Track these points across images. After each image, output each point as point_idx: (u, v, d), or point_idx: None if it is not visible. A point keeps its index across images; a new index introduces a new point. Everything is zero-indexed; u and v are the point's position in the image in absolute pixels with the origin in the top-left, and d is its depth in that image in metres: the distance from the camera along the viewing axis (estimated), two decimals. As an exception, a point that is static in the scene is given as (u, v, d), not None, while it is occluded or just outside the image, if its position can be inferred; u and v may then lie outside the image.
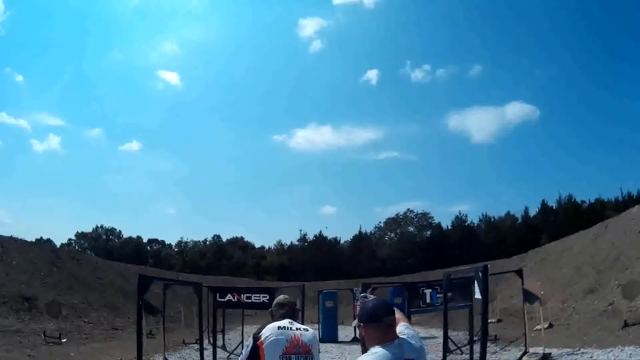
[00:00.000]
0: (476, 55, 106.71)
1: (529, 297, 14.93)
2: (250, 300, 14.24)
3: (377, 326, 3.02)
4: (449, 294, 13.44)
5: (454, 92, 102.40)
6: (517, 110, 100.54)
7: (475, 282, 11.58)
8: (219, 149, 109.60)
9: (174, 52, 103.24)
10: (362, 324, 3.12)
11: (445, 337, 13.39)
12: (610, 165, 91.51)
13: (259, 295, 14.29)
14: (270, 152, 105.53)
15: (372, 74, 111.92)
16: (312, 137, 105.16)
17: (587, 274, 21.99)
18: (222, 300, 14.33)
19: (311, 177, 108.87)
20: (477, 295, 11.49)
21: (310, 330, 4.16)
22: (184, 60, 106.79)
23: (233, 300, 14.33)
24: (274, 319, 4.20)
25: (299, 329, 4.05)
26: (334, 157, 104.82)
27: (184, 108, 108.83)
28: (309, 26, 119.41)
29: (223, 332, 19.76)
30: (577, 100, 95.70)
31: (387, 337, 2.99)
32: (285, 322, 4.07)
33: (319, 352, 4.17)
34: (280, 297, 4.48)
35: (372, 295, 3.65)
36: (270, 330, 3.97)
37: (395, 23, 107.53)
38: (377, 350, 2.92)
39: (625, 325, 14.68)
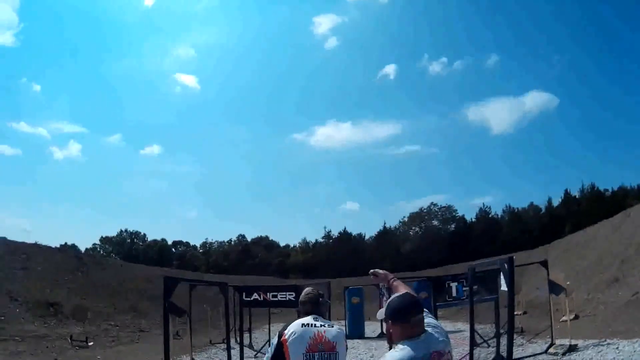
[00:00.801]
0: (492, 45, 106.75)
1: (554, 288, 14.90)
2: (276, 299, 14.37)
3: (404, 324, 3.02)
4: (475, 287, 13.42)
5: (472, 83, 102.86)
6: (536, 100, 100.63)
7: (501, 274, 11.68)
8: (239, 150, 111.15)
9: (190, 55, 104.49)
10: (389, 320, 3.11)
11: (472, 331, 13.46)
12: (631, 152, 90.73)
13: (284, 293, 14.41)
14: (291, 151, 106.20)
15: (390, 69, 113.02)
16: (332, 134, 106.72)
17: (611, 264, 21.92)
18: (248, 299, 14.50)
19: (333, 174, 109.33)
20: (503, 287, 11.60)
21: (336, 326, 4.15)
22: (201, 62, 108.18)
23: (259, 299, 14.44)
24: (300, 316, 4.19)
25: (323, 325, 4.02)
26: (355, 153, 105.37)
27: (202, 110, 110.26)
28: (324, 23, 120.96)
29: (250, 331, 19.98)
30: (596, 88, 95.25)
31: (413, 332, 2.99)
32: (309, 319, 4.06)
33: (347, 348, 4.16)
34: (303, 294, 4.39)
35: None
36: (294, 328, 3.99)
37: (409, 17, 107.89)
38: (404, 347, 2.93)
39: (652, 314, 14.68)
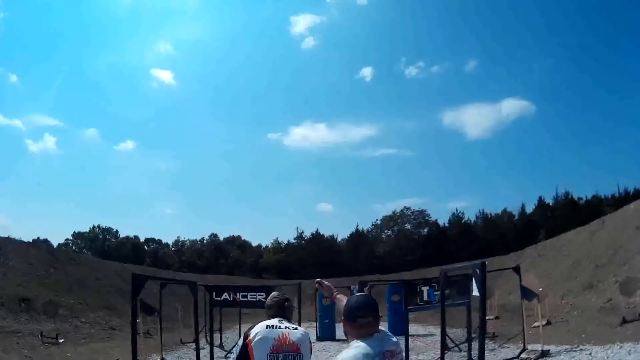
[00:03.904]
0: (471, 50, 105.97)
1: (526, 293, 14.88)
2: (246, 299, 13.89)
3: (358, 323, 3.16)
4: (447, 291, 13.27)
5: (449, 88, 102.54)
6: (513, 106, 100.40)
7: (473, 279, 11.49)
8: (214, 148, 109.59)
9: (168, 51, 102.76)
10: (346, 319, 3.26)
11: (443, 334, 13.29)
12: (606, 161, 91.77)
13: (255, 293, 13.96)
14: (266, 151, 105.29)
15: (367, 71, 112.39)
16: (308, 134, 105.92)
17: (585, 270, 21.98)
18: (218, 299, 14.00)
19: (307, 175, 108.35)
20: (475, 292, 11.41)
21: (300, 329, 4.19)
22: (178, 59, 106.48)
23: (229, 299, 13.94)
24: (267, 318, 4.24)
25: (288, 327, 4.07)
26: (330, 155, 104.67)
27: (178, 107, 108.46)
28: (301, 22, 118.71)
29: (220, 331, 19.72)
30: (573, 96, 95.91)
31: (366, 331, 3.13)
32: (274, 321, 4.11)
33: (311, 351, 4.16)
34: (269, 299, 4.46)
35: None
36: (258, 329, 4.03)
37: (388, 19, 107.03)
38: (358, 345, 3.06)
39: (624, 321, 14.59)
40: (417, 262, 55.74)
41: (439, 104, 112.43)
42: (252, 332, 4.01)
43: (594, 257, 22.66)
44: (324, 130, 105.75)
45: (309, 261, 65.71)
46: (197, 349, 13.16)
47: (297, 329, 4.15)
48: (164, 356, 15.30)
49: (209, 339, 15.32)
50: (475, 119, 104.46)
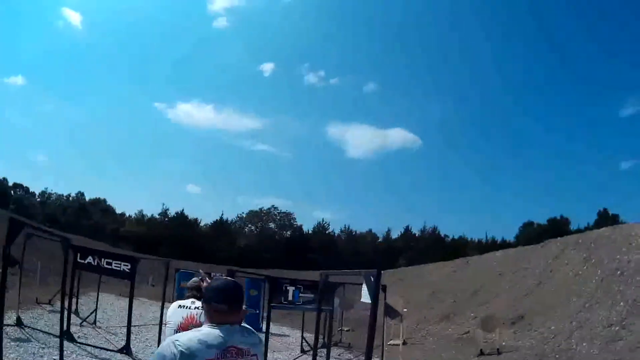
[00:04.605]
0: (374, 74, 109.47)
1: (390, 312, 15.07)
2: (110, 267, 12.79)
3: (209, 307, 2.86)
4: (312, 296, 13.43)
5: (342, 103, 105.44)
6: (399, 136, 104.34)
7: (364, 286, 11.48)
8: (101, 102, 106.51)
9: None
10: (206, 300, 2.92)
11: (317, 337, 13.10)
12: (478, 208, 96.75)
13: (119, 263, 12.91)
14: (148, 118, 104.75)
15: (268, 67, 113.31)
16: (194, 112, 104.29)
17: (444, 302, 22.75)
18: (82, 262, 12.72)
19: (182, 152, 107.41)
20: (364, 299, 11.39)
21: None
22: (92, 4, 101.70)
23: (93, 263, 12.72)
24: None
25: (198, 308, 4.32)
26: (210, 138, 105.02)
27: (78, 52, 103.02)
28: (220, 1, 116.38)
29: (77, 296, 18.37)
30: (460, 141, 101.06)
31: (219, 318, 2.80)
32: (187, 302, 4.49)
33: None
34: (191, 282, 4.80)
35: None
36: (171, 308, 4.50)
37: (306, 22, 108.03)
38: (200, 329, 2.78)
39: (482, 353, 15.35)
40: (276, 262, 55.85)
41: (329, 116, 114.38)
42: (168, 311, 4.49)
43: (453, 291, 23.51)
44: (210, 112, 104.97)
45: (169, 240, 64.27)
46: (62, 313, 11.50)
47: None
48: (20, 314, 13.96)
49: (67, 303, 14.15)
50: (360, 139, 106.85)
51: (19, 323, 13.43)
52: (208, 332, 2.71)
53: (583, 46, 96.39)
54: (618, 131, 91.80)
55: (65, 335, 11.54)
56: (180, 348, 2.58)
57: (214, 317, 2.80)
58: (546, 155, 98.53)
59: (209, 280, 3.99)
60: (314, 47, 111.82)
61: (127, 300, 24.15)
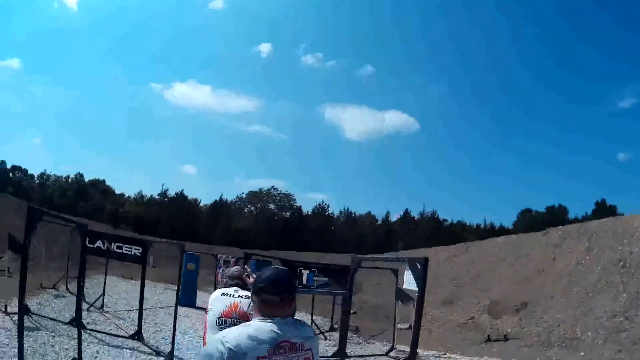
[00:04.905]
0: (372, 57, 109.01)
1: (402, 296, 15.13)
2: (121, 251, 12.70)
3: (258, 298, 2.75)
4: (326, 279, 13.70)
5: (339, 85, 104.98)
6: (397, 118, 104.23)
7: (410, 272, 11.79)
8: (97, 84, 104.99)
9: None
10: (256, 292, 2.78)
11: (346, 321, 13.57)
12: (475, 193, 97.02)
13: (130, 247, 12.80)
14: (145, 98, 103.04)
15: (265, 47, 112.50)
16: (191, 93, 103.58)
17: (445, 287, 22.80)
18: (91, 246, 12.60)
19: (179, 133, 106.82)
20: (407, 285, 11.68)
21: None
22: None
23: (102, 247, 12.64)
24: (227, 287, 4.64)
25: (241, 296, 4.33)
26: (206, 118, 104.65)
27: (73, 35, 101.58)
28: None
29: (83, 280, 18.21)
30: (458, 125, 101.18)
31: (270, 311, 2.69)
32: (230, 290, 4.45)
33: None
34: (233, 270, 4.81)
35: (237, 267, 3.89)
36: (214, 295, 4.50)
37: (302, 3, 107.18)
38: (249, 323, 2.71)
39: (489, 339, 15.45)
40: (274, 243, 55.77)
41: (325, 98, 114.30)
42: (210, 299, 4.46)
43: (454, 276, 23.66)
44: (207, 92, 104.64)
45: (168, 221, 64.33)
46: (79, 303, 10.65)
47: (249, 298, 4.05)
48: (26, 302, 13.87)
49: (75, 288, 14.02)
50: (356, 121, 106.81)
51: (25, 310, 13.44)
52: (258, 326, 2.61)
53: (582, 36, 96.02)
54: (616, 123, 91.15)
55: (76, 322, 11.27)
56: (228, 345, 2.49)
57: (264, 309, 2.70)
58: (544, 142, 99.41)
59: (248, 269, 4.39)
60: (310, 28, 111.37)
61: (130, 282, 24.56)
